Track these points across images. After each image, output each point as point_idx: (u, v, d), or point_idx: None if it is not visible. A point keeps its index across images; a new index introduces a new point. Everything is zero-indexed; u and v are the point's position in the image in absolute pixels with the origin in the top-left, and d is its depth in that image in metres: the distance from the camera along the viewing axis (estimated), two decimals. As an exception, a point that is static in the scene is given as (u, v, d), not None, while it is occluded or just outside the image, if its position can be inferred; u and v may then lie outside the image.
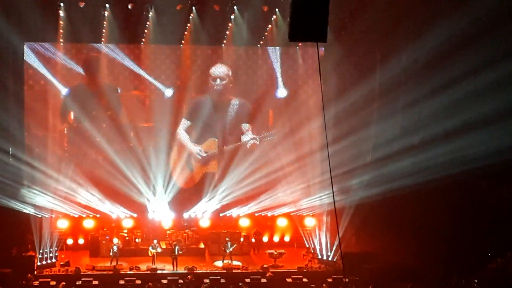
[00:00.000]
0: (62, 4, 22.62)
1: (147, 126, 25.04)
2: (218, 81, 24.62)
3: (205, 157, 25.03)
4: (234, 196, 24.94)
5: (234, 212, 25.40)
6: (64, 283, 21.09)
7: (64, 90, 24.19)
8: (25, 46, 23.35)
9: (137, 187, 24.29)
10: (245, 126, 25.08)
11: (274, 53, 25.05)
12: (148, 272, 22.28)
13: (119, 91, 24.59)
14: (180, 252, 22.75)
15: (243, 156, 24.79)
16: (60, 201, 23.75)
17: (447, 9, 20.78)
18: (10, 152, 22.98)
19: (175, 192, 24.88)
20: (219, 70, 24.66)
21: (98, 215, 24.62)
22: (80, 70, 24.24)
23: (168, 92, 24.85)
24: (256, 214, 25.50)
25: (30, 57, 23.57)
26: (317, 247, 24.54)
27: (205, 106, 24.92)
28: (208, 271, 22.67)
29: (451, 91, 21.20)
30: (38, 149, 23.98)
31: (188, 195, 25.33)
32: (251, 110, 25.18)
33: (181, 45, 24.68)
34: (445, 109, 21.65)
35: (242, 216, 25.52)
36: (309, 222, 25.44)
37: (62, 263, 22.86)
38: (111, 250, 22.61)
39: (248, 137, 24.85)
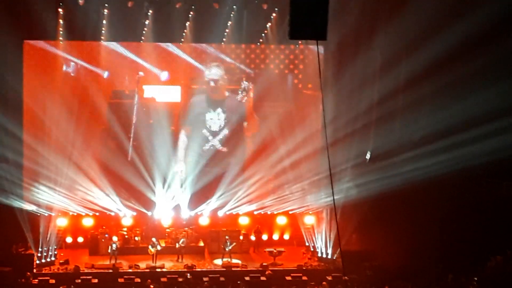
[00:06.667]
0: (61, 3, 22.64)
1: (150, 123, 24.99)
2: (212, 83, 24.65)
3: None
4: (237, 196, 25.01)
5: (234, 210, 25.38)
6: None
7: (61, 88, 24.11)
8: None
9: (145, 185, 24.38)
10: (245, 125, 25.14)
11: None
12: (148, 270, 22.31)
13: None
14: (183, 245, 22.91)
15: (242, 156, 24.87)
16: (59, 199, 23.74)
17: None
18: (10, 150, 22.92)
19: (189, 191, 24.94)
20: (213, 72, 24.64)
21: (97, 213, 24.61)
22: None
23: (164, 76, 24.78)
24: (255, 213, 25.49)
25: (29, 55, 23.49)
26: (317, 245, 24.55)
27: (201, 105, 24.93)
28: (207, 269, 22.71)
29: (451, 89, 21.18)
30: (37, 146, 23.89)
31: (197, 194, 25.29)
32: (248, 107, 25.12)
33: (181, 43, 24.63)
34: (445, 107, 21.62)
35: (242, 214, 25.53)
36: (309, 220, 25.45)
37: (61, 261, 22.89)
38: (110, 247, 22.64)
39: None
